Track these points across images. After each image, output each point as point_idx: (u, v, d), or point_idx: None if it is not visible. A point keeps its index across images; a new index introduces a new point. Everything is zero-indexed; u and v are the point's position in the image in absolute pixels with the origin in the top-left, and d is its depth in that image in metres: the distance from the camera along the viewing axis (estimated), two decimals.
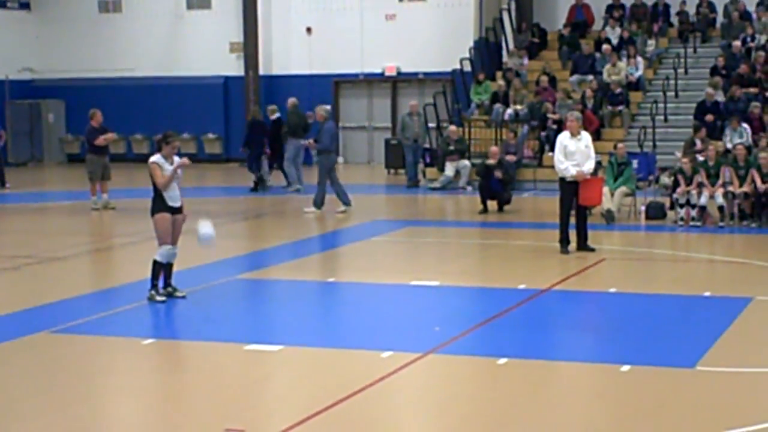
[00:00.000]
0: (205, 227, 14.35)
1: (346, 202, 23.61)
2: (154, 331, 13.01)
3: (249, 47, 37.61)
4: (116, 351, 11.98)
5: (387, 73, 37.09)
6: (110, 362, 11.54)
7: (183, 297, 14.23)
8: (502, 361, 11.09)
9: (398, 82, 37.42)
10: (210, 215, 23.35)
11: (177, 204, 14.13)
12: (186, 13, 39.06)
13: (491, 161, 24.27)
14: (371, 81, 37.55)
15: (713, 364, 10.86)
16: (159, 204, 14.05)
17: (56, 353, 11.86)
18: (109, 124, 25.63)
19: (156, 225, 14.12)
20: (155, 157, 14.05)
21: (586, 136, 17.81)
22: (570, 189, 17.62)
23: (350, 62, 37.05)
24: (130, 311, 13.82)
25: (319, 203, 23.42)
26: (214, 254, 15.11)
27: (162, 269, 14.18)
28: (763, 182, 20.85)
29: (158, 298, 14.09)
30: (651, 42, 32.27)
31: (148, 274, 14.19)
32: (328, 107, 24.38)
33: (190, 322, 13.44)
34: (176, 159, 14.14)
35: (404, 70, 36.88)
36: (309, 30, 37.67)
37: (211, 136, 38.35)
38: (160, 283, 14.21)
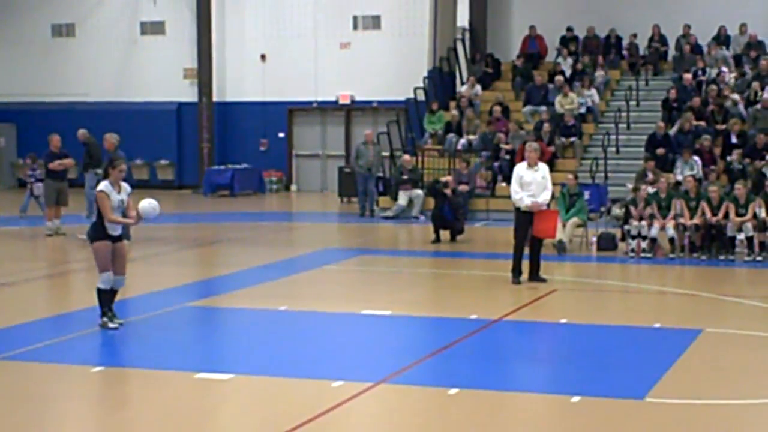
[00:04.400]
0: (147, 203, 14.13)
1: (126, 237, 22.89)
2: (104, 359, 12.89)
3: (203, 73, 37.61)
4: (64, 379, 11.85)
5: (341, 101, 37.19)
6: (57, 390, 11.40)
7: (116, 328, 13.97)
8: (453, 391, 11.07)
9: (352, 111, 37.52)
10: (163, 241, 23.34)
11: (116, 233, 13.96)
12: (140, 39, 39.01)
13: (445, 180, 24.50)
14: (325, 109, 37.62)
15: (663, 395, 10.90)
16: (99, 231, 13.87)
17: (2, 381, 11.72)
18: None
19: (95, 253, 13.96)
20: (103, 185, 13.88)
21: (543, 168, 17.87)
22: (525, 219, 17.66)
23: (304, 90, 37.13)
24: (79, 338, 13.69)
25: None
26: (165, 282, 15.05)
27: (106, 295, 14.00)
28: (713, 215, 21.02)
29: (111, 324, 13.94)
30: (600, 73, 32.50)
31: (93, 302, 14.08)
32: (117, 136, 23.66)
33: (141, 350, 13.33)
34: (125, 185, 14.00)
35: (358, 98, 36.98)
36: (263, 57, 37.73)
37: (163, 162, 38.26)
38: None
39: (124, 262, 14.12)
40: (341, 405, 10.60)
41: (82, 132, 25.45)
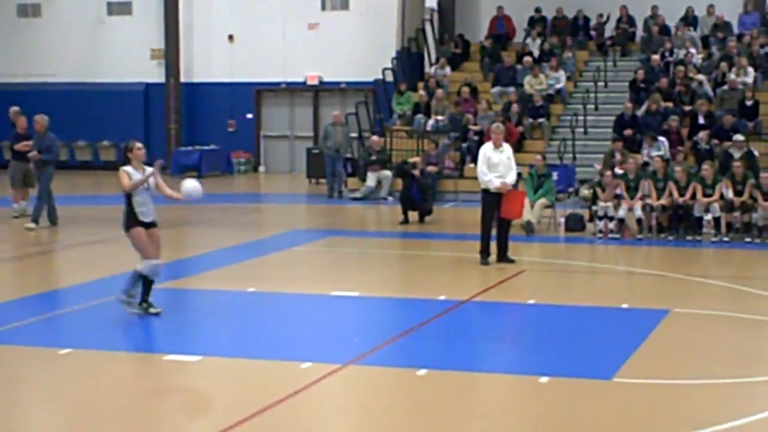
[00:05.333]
0: (190, 183, 13.97)
1: (53, 221, 22.87)
2: (72, 341, 12.82)
3: (170, 54, 37.42)
4: (31, 361, 11.81)
5: (309, 82, 37.08)
6: (24, 372, 11.37)
7: (157, 314, 13.75)
8: (422, 372, 11.09)
9: (320, 92, 37.42)
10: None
11: (149, 219, 13.72)
12: (107, 19, 38.76)
13: (413, 161, 24.47)
14: (293, 90, 37.51)
15: (630, 375, 10.96)
16: (131, 218, 13.60)
17: None
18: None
19: (133, 240, 13.69)
20: (128, 168, 13.61)
21: (507, 148, 17.92)
22: (493, 200, 17.69)
23: (272, 71, 36.99)
24: (48, 320, 13.64)
25: (37, 217, 22.71)
26: (133, 264, 14.89)
27: (141, 281, 13.74)
28: (681, 195, 21.11)
29: (129, 309, 13.66)
30: (568, 54, 32.54)
31: (64, 284, 13.98)
32: (47, 117, 23.46)
33: (110, 332, 13.27)
34: (148, 169, 13.77)
35: (326, 79, 36.89)
36: (231, 38, 37.58)
37: None
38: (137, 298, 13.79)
39: (159, 249, 13.91)
40: (310, 386, 10.60)
41: (13, 110, 25.33)
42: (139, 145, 13.79)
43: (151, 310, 13.79)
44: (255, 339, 12.96)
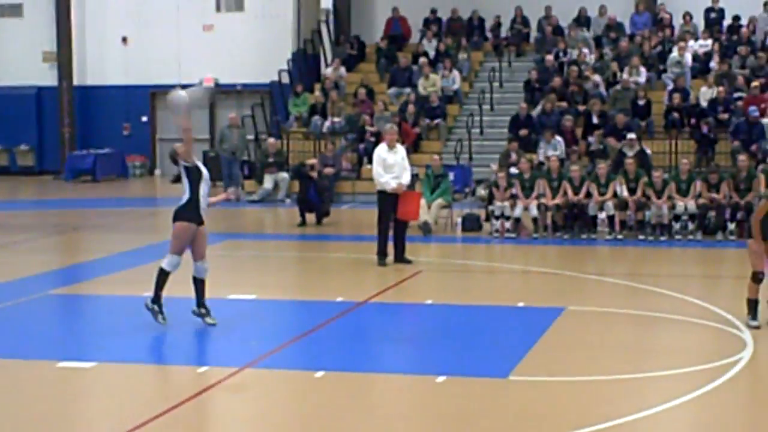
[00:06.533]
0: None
1: None
2: None
3: (63, 57, 36.88)
4: None
5: (204, 84, 36.73)
6: None
7: (213, 324, 13.32)
8: (319, 374, 11.07)
9: (216, 94, 37.13)
10: (23, 228, 22.90)
11: (203, 216, 13.33)
12: None
13: (310, 163, 24.39)
14: None
15: (525, 373, 11.04)
16: (189, 212, 13.17)
17: None
18: None
19: (177, 233, 13.21)
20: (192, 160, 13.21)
21: (401, 149, 17.98)
22: (389, 202, 17.72)
23: (167, 73, 36.55)
24: None
25: None
26: (26, 269, 14.73)
27: (166, 279, 13.32)
28: (575, 194, 21.34)
29: (160, 320, 13.23)
30: (464, 55, 32.72)
31: None
32: None
33: (1, 339, 13.04)
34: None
35: (222, 81, 36.53)
36: (125, 40, 37.16)
37: (23, 147, 37.45)
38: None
39: (205, 247, 13.56)
40: (206, 390, 10.53)
41: None
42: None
43: (207, 320, 13.37)
44: (151, 344, 12.83)
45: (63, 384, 11.12)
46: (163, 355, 12.10)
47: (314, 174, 24.04)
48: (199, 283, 13.45)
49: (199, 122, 37.02)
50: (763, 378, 11.33)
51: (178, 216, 13.25)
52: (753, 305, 13.06)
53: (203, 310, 13.41)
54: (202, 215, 13.30)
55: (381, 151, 17.76)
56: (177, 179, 13.34)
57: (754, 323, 12.94)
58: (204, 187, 13.30)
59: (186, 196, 13.22)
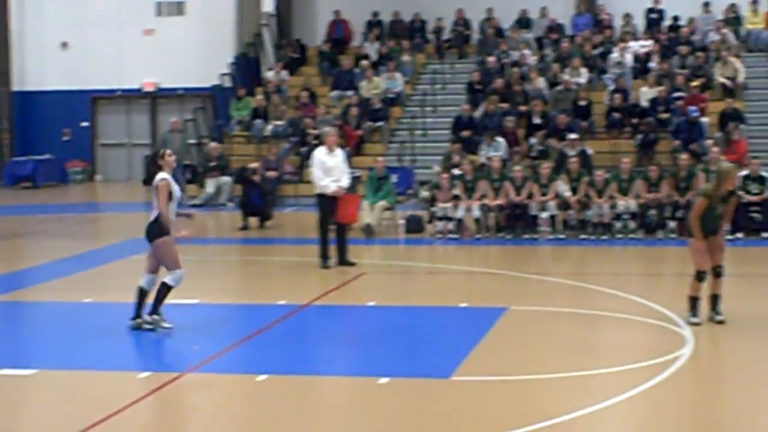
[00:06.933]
0: None
1: None
2: None
3: (1, 63, 36.57)
4: None
5: (146, 89, 36.62)
6: None
7: (170, 328, 13.23)
8: (262, 377, 11.02)
9: (157, 98, 36.98)
10: None
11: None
12: None
13: (255, 177, 24.23)
14: (130, 97, 36.98)
15: (468, 373, 11.05)
16: (163, 227, 13.07)
17: None
18: None
19: (163, 249, 13.10)
20: (164, 175, 13.04)
21: (340, 152, 17.96)
22: (329, 204, 17.70)
23: (108, 78, 36.41)
24: None
25: None
26: None
27: (167, 294, 13.24)
28: (517, 195, 21.40)
29: (165, 324, 13.19)
30: (406, 58, 32.75)
31: None
32: None
33: None
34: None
35: (163, 85, 36.46)
36: (64, 45, 36.91)
37: None
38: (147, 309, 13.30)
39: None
40: (148, 396, 10.45)
41: None
42: (169, 151, 13.36)
43: (165, 324, 13.27)
44: (92, 350, 12.68)
45: (2, 392, 10.98)
46: (104, 362, 11.97)
47: (257, 178, 23.95)
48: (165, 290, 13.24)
49: (141, 127, 36.90)
50: (702, 374, 11.41)
51: (153, 233, 13.14)
52: (694, 302, 13.15)
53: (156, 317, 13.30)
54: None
55: (320, 154, 17.71)
56: (148, 181, 13.27)
57: (694, 320, 13.04)
58: (173, 205, 13.20)
59: (155, 213, 13.12)
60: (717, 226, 13.17)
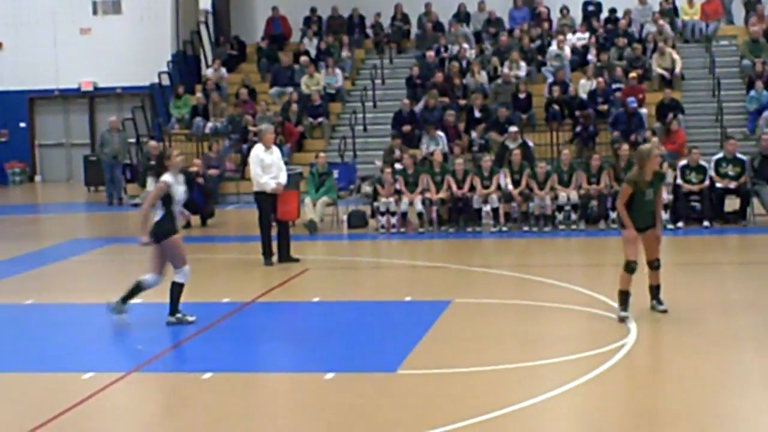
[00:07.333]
0: None
1: None
2: None
3: None
4: None
5: (84, 89, 36.27)
6: None
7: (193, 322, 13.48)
8: (207, 375, 10.98)
9: (96, 97, 36.66)
10: None
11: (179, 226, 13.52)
12: None
13: (194, 169, 24.07)
14: (67, 97, 36.62)
15: (414, 366, 11.07)
16: (169, 226, 13.19)
17: None
18: None
19: (172, 249, 13.25)
20: (167, 177, 13.13)
21: (276, 149, 17.92)
22: (269, 202, 17.66)
23: (45, 78, 36.00)
24: None
25: None
26: None
27: (182, 291, 13.43)
28: (459, 188, 21.45)
29: (189, 318, 13.43)
30: (346, 53, 32.73)
31: None
32: None
33: None
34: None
35: (101, 84, 36.14)
36: (0, 45, 36.47)
37: None
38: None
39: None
40: (92, 397, 10.38)
41: None
42: (176, 152, 13.51)
43: (189, 318, 13.49)
44: (34, 352, 12.58)
45: None
46: (47, 363, 11.88)
47: (200, 180, 23.77)
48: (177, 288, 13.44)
49: (79, 127, 36.58)
50: (645, 362, 11.50)
51: (161, 233, 13.25)
52: (624, 297, 12.93)
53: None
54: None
55: (258, 151, 17.66)
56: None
57: (624, 314, 12.87)
58: (176, 206, 13.42)
59: (161, 212, 13.22)
60: (650, 215, 13.03)
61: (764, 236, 19.94)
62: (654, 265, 13.13)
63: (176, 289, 13.41)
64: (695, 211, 21.18)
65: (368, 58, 33.56)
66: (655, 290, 13.31)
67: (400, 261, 18.66)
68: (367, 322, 13.65)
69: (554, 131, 27.53)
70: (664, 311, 13.17)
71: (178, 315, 13.44)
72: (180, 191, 13.28)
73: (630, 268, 12.91)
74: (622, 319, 12.80)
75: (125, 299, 13.60)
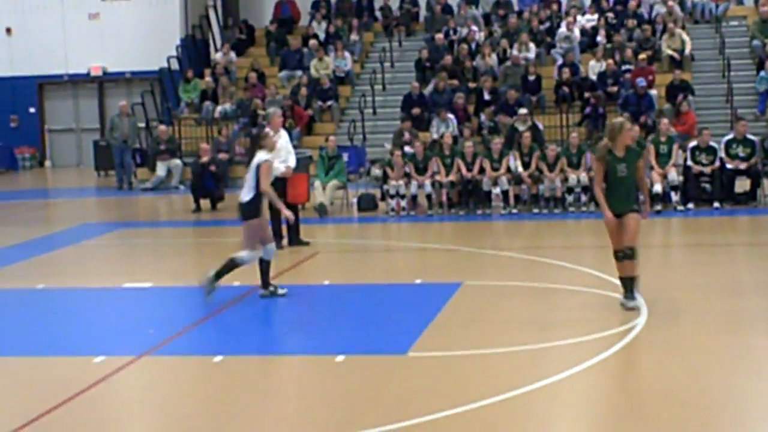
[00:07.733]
0: None
1: None
2: None
3: None
4: None
5: (93, 74, 36.31)
6: None
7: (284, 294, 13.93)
8: (218, 358, 10.99)
9: (105, 82, 36.71)
10: None
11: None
12: None
13: (204, 159, 24.05)
14: (77, 82, 36.67)
15: (424, 349, 11.07)
16: (255, 207, 13.56)
17: None
18: None
19: (252, 231, 13.61)
20: (266, 156, 13.57)
21: (284, 133, 17.90)
22: (278, 186, 17.60)
23: (54, 63, 36.08)
24: None
25: None
26: None
27: (269, 265, 13.91)
28: (468, 170, 21.45)
29: (280, 291, 13.92)
30: (354, 36, 32.70)
31: None
32: None
33: None
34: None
35: (111, 69, 36.18)
36: (9, 30, 36.51)
37: None
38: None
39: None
40: (104, 380, 10.39)
41: None
42: (272, 132, 14.18)
43: (280, 291, 13.97)
44: (46, 336, 12.61)
45: None
46: (59, 347, 11.90)
47: (213, 168, 23.77)
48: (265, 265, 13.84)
49: (89, 112, 36.62)
50: (656, 343, 11.47)
51: (249, 213, 13.61)
52: (626, 282, 12.49)
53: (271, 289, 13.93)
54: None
55: None
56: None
57: (631, 303, 12.43)
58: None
59: (253, 192, 13.54)
60: (628, 197, 12.31)
61: None
62: (620, 255, 12.35)
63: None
64: (706, 192, 21.16)
65: (377, 41, 33.51)
66: (625, 282, 12.49)
67: (410, 244, 18.66)
68: (378, 305, 13.66)
69: (564, 113, 27.48)
70: (632, 309, 12.38)
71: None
72: (275, 169, 13.96)
73: (617, 256, 12.47)
74: (630, 309, 12.36)
75: (267, 282, 13.89)
